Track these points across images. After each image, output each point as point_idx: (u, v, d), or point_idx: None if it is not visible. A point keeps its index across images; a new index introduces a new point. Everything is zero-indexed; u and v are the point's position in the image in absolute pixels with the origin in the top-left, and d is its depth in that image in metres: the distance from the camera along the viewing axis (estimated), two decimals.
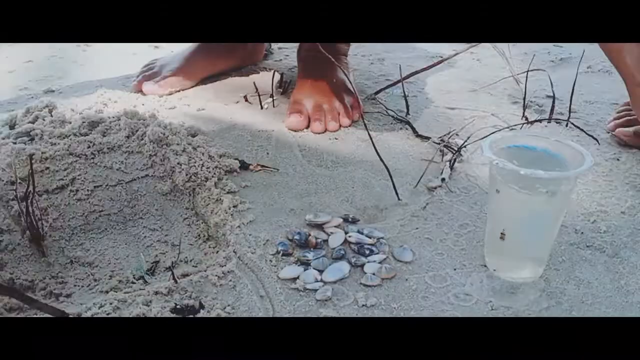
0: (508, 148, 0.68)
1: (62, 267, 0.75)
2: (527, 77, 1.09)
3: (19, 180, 0.78)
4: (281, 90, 1.15)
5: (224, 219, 0.78)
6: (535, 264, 0.69)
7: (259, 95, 1.09)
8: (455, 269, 0.71)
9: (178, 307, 0.63)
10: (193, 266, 0.73)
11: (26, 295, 0.61)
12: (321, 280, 0.68)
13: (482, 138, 0.69)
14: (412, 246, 0.74)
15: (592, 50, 1.36)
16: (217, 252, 0.75)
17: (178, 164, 0.87)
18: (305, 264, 0.70)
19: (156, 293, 0.65)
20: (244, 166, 0.89)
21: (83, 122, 0.99)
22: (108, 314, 0.62)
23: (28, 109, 1.02)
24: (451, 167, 0.90)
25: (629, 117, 1.01)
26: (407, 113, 1.08)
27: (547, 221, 0.66)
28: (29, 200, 0.74)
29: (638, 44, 0.91)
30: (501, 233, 0.66)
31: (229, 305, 0.64)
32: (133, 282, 0.72)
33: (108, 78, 1.21)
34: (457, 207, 0.82)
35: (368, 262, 0.71)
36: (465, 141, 0.94)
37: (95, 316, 0.62)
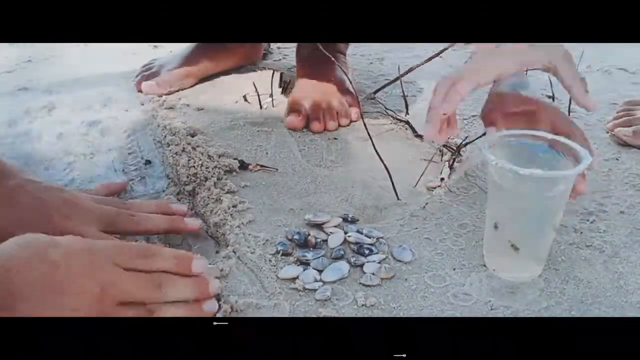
0: (506, 147, 0.68)
1: None
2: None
3: None
4: (280, 89, 1.15)
5: (224, 218, 0.78)
6: (534, 263, 0.69)
7: (258, 95, 1.09)
8: (454, 269, 0.71)
9: None
10: None
11: None
12: (320, 280, 0.68)
13: (480, 136, 0.69)
14: (411, 246, 0.74)
15: (592, 50, 1.36)
16: (217, 251, 0.75)
17: (177, 163, 0.87)
18: (305, 264, 0.70)
19: None
20: (244, 166, 0.89)
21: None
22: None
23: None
24: (450, 167, 0.90)
25: (629, 117, 1.01)
26: (407, 113, 1.08)
27: (546, 220, 0.67)
28: None
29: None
30: (495, 224, 0.67)
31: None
32: None
33: (108, 78, 1.21)
34: (457, 207, 0.82)
35: (367, 261, 0.71)
36: (464, 141, 0.94)
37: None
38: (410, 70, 1.12)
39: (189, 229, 0.74)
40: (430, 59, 1.12)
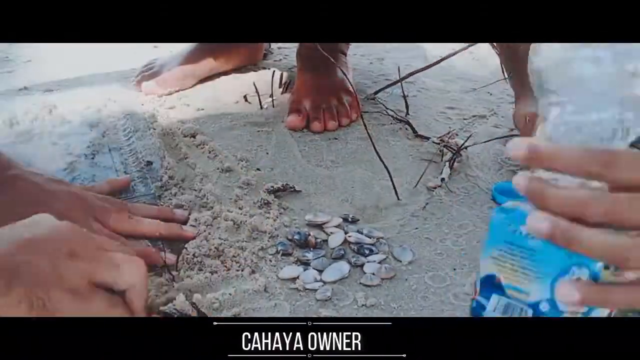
0: None
1: None
2: None
3: None
4: (281, 90, 1.15)
5: None
6: None
7: (258, 95, 1.09)
8: (454, 269, 0.71)
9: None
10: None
11: None
12: (321, 280, 0.68)
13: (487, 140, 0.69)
14: (411, 246, 0.74)
15: None
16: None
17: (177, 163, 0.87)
18: (305, 264, 0.70)
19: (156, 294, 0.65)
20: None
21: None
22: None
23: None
24: (451, 167, 0.90)
25: None
26: (407, 113, 1.08)
27: None
28: None
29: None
30: None
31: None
32: None
33: (108, 78, 1.21)
34: (457, 207, 0.82)
35: (368, 262, 0.71)
36: (465, 141, 0.94)
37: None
38: (414, 72, 1.12)
39: (185, 237, 0.74)
40: (434, 64, 1.12)
